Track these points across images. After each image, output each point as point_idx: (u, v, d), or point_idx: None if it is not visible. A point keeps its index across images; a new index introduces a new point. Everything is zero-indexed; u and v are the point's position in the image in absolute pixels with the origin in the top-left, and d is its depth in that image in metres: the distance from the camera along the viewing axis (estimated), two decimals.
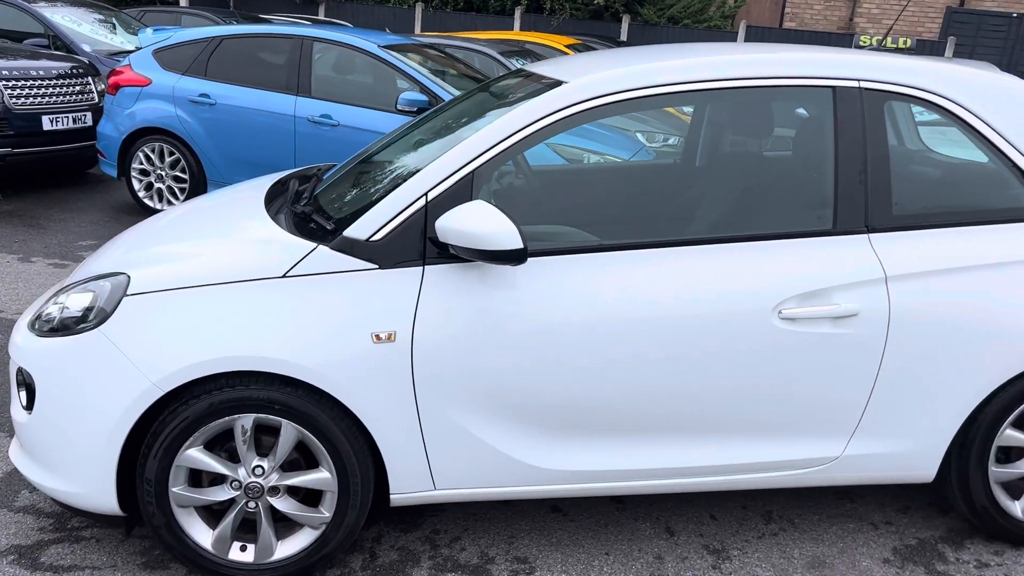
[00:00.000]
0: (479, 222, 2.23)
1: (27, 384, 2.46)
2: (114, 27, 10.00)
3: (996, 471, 2.67)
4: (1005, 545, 2.79)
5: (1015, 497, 2.74)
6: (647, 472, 2.53)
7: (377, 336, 2.34)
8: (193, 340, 2.29)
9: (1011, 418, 2.61)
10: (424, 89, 6.06)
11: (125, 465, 2.39)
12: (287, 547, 2.48)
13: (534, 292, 2.37)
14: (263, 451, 2.43)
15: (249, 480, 2.41)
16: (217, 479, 2.45)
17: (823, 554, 2.73)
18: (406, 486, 2.48)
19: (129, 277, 2.39)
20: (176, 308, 2.33)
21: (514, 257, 2.23)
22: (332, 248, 2.38)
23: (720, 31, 15.64)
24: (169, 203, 6.68)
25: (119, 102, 6.68)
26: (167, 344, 2.29)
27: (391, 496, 2.49)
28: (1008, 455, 2.72)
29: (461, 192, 2.39)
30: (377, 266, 2.37)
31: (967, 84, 2.60)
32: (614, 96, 2.46)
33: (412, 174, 2.47)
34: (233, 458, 2.42)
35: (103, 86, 7.73)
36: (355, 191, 2.73)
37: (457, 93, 6.14)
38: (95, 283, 2.45)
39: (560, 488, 2.52)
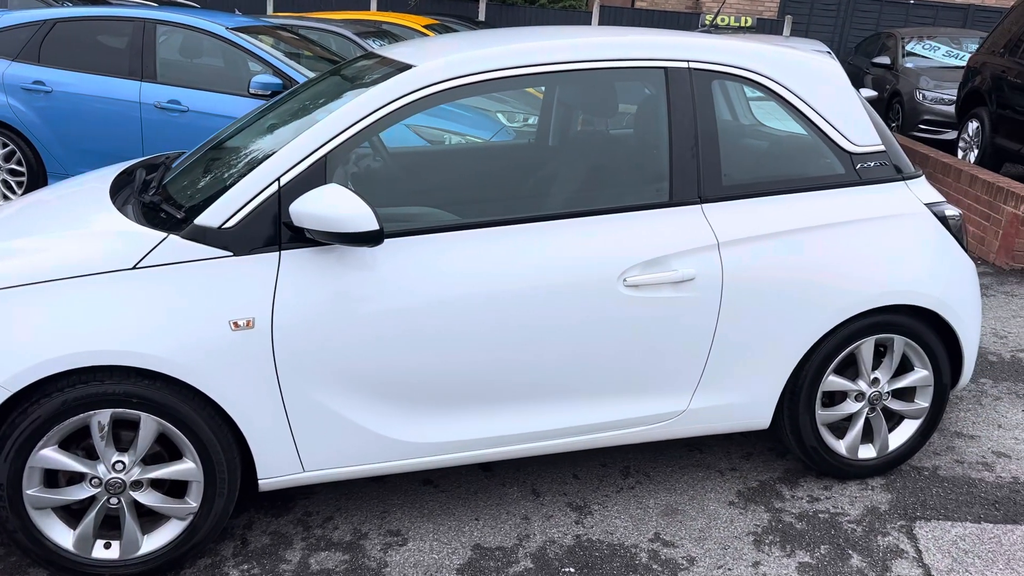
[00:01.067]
0: (333, 205, 2.27)
1: None
2: None
3: (822, 414, 2.96)
4: (833, 481, 3.10)
5: (839, 437, 3.05)
6: (508, 438, 2.66)
7: (235, 323, 2.34)
8: (42, 337, 2.22)
9: (832, 365, 2.90)
10: (277, 72, 5.96)
11: None
12: (154, 540, 2.46)
13: (391, 272, 2.44)
14: (123, 446, 2.39)
15: (110, 476, 2.37)
16: (75, 477, 2.39)
17: (675, 502, 2.94)
18: (274, 470, 2.50)
19: None
20: (22, 304, 2.25)
21: (370, 239, 2.29)
22: (183, 237, 2.36)
23: (575, 11, 15.99)
24: (5, 197, 6.28)
25: None
26: (14, 342, 2.22)
27: (259, 481, 2.51)
28: (832, 399, 3.02)
29: (315, 176, 2.42)
30: (232, 253, 2.37)
31: (782, 63, 2.83)
32: (461, 79, 2.55)
33: (265, 159, 2.48)
34: (91, 455, 2.37)
35: None
36: (207, 178, 2.70)
37: (312, 76, 6.06)
38: None
39: (427, 460, 2.61)
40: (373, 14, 11.72)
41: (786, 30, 14.82)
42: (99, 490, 2.38)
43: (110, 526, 2.46)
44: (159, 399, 2.32)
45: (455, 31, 11.75)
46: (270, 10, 16.32)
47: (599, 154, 2.87)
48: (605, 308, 2.59)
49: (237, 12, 11.00)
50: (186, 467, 2.42)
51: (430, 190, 2.92)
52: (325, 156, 2.43)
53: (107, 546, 2.44)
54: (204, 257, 2.36)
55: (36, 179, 6.20)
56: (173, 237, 2.36)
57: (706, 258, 2.66)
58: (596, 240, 2.60)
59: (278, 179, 2.40)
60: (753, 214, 2.73)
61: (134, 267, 2.32)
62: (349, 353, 2.43)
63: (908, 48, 11.50)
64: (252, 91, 5.82)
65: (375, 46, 8.82)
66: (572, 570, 2.58)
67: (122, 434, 2.39)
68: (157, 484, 2.46)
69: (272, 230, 2.39)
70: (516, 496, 2.96)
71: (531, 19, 15.81)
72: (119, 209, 2.59)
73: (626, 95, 3.01)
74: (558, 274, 2.55)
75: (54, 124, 6.08)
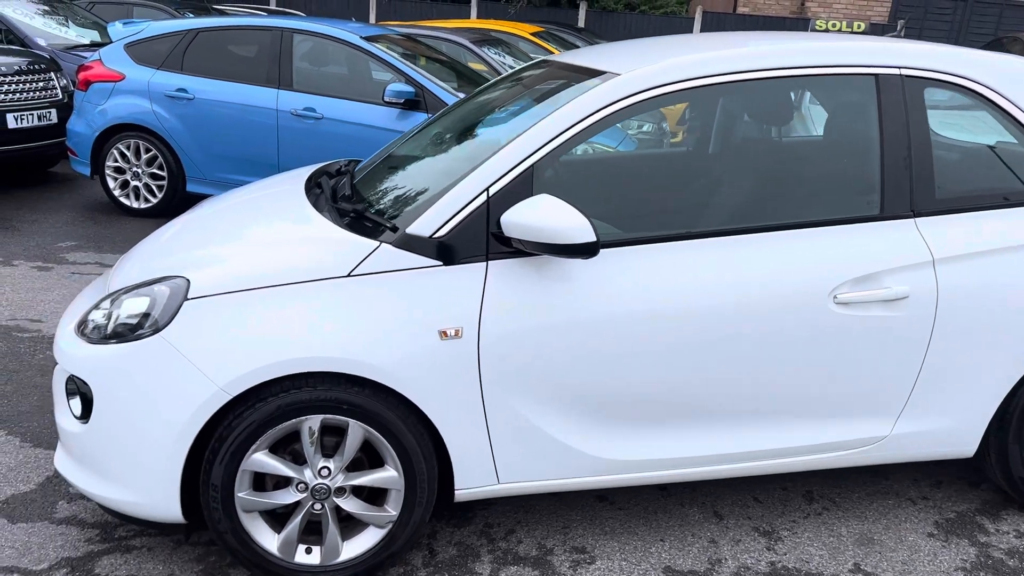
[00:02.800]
0: (549, 216, 2.23)
1: (81, 393, 2.39)
2: (66, 20, 9.68)
3: None
4: None
5: None
6: (704, 459, 2.57)
7: (444, 333, 2.33)
8: (260, 343, 2.25)
9: None
10: (410, 80, 6.01)
11: (187, 471, 2.34)
12: (353, 547, 2.46)
13: (593, 284, 2.39)
14: (327, 452, 2.40)
15: (316, 482, 2.38)
16: (282, 482, 2.41)
17: (869, 531, 2.81)
18: (471, 481, 2.47)
19: (188, 280, 2.34)
20: (241, 311, 2.28)
21: (587, 250, 2.24)
22: (395, 246, 2.36)
23: (677, 17, 15.79)
24: (146, 201, 6.52)
25: (90, 98, 6.48)
26: (233, 348, 2.25)
27: (456, 492, 2.49)
28: None
29: (522, 186, 2.39)
30: (441, 262, 2.36)
31: (998, 69, 2.68)
32: (669, 87, 2.48)
33: (463, 169, 2.47)
34: (297, 460, 2.39)
35: (66, 81, 7.49)
36: (403, 187, 2.71)
37: (444, 85, 6.10)
38: (149, 288, 2.38)
39: (619, 478, 2.55)
40: (479, 22, 11.80)
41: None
42: (304, 495, 2.39)
43: (310, 531, 2.47)
44: (367, 406, 2.32)
45: (562, 39, 11.73)
46: (372, 18, 16.64)
47: (799, 164, 2.76)
48: (813, 326, 2.49)
49: (353, 20, 11.21)
50: (388, 475, 2.41)
51: (608, 200, 2.84)
52: (532, 166, 2.40)
53: (308, 551, 2.45)
54: (415, 266, 2.35)
55: (176, 184, 6.41)
56: (385, 246, 2.36)
57: (920, 275, 2.53)
58: (804, 254, 2.50)
59: (487, 189, 2.38)
60: (970, 229, 2.59)
61: (348, 275, 2.33)
62: (551, 365, 2.39)
63: None
64: (386, 99, 5.89)
65: (492, 54, 8.86)
66: None
67: (325, 440, 2.40)
68: (357, 491, 2.47)
69: (480, 240, 2.37)
70: (698, 518, 2.86)
71: (631, 25, 15.69)
72: (324, 216, 2.61)
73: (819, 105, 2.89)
74: (765, 289, 2.46)
75: (195, 130, 6.28)
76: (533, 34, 11.11)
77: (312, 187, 3.00)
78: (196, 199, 6.70)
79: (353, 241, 2.39)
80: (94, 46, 9.16)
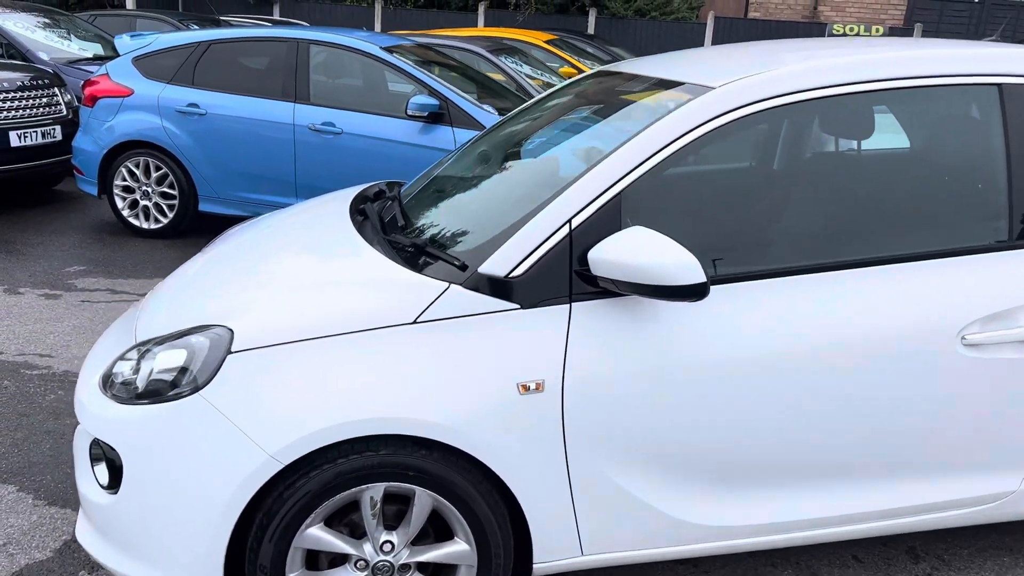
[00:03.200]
0: (648, 253, 1.94)
1: (108, 459, 2.09)
2: (68, 33, 9.40)
3: None
4: None
5: None
6: (815, 521, 2.27)
7: (524, 386, 2.03)
8: (316, 402, 1.95)
9: None
10: (433, 92, 5.72)
11: (230, 550, 2.04)
12: None
13: (697, 327, 2.09)
14: (390, 523, 2.10)
15: (377, 559, 2.08)
16: (338, 559, 2.11)
17: None
18: (552, 553, 2.17)
19: (231, 331, 2.04)
20: (292, 365, 1.98)
21: (695, 292, 1.94)
22: (466, 287, 2.06)
23: (688, 23, 15.53)
24: (157, 221, 6.22)
25: (97, 115, 6.19)
26: (285, 409, 1.95)
27: (534, 565, 2.18)
28: None
29: (609, 217, 2.09)
30: (518, 306, 2.06)
31: None
32: (780, 99, 2.17)
33: (534, 196, 2.17)
34: (356, 533, 2.09)
35: (70, 97, 7.20)
36: (464, 217, 2.41)
37: (468, 97, 5.81)
38: (185, 339, 2.08)
39: (723, 545, 2.25)
40: (492, 30, 11.53)
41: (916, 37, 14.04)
42: (365, 574, 2.09)
43: None
44: (436, 472, 2.03)
45: (576, 47, 11.46)
46: (377, 28, 16.38)
47: (909, 185, 2.46)
48: (939, 372, 2.19)
49: (364, 30, 10.95)
50: (459, 549, 2.11)
51: (714, 229, 2.44)
52: (620, 194, 2.10)
53: None
54: (490, 310, 2.05)
55: (188, 202, 6.12)
56: (455, 287, 2.06)
57: None
58: (926, 291, 2.20)
59: (569, 221, 2.08)
60: None
61: (414, 321, 2.03)
62: (646, 421, 2.09)
63: None
64: (409, 112, 5.60)
65: (509, 63, 8.58)
66: None
67: (388, 510, 2.10)
68: (423, 567, 2.17)
69: (563, 279, 2.07)
70: None
71: (642, 32, 15.42)
72: (377, 250, 2.31)
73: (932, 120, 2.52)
74: (883, 331, 2.16)
75: (207, 147, 5.99)
76: (547, 42, 10.85)
77: (355, 214, 2.71)
78: (208, 219, 6.41)
79: (418, 282, 2.10)
80: (97, 59, 8.88)
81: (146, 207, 6.22)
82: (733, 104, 2.15)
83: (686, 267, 1.91)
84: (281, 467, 1.94)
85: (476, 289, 2.06)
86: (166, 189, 6.16)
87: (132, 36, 6.39)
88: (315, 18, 16.57)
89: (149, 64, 6.18)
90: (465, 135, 5.59)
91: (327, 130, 5.78)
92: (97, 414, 2.09)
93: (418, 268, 2.17)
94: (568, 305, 2.07)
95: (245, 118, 5.92)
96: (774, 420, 2.14)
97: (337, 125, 5.78)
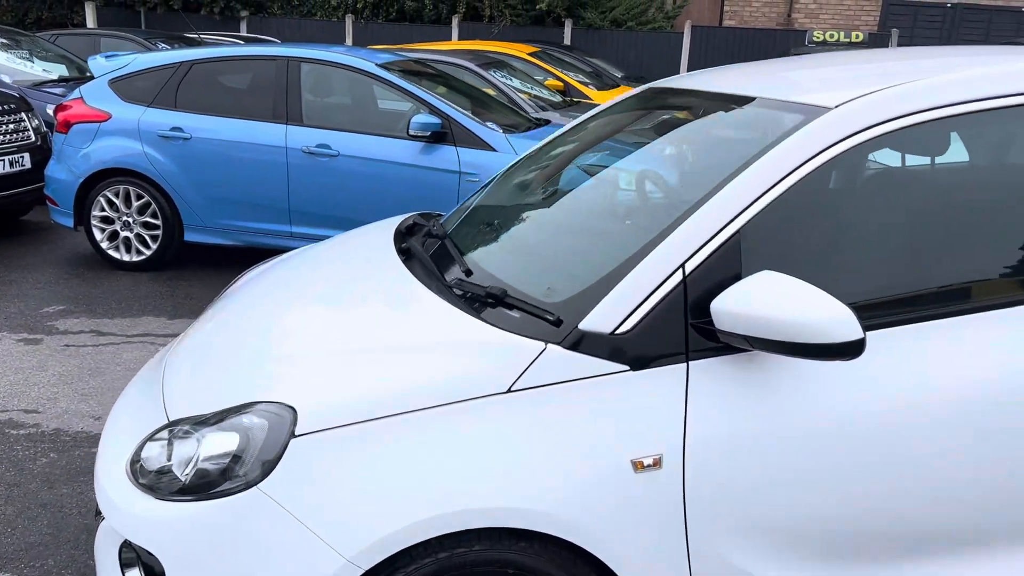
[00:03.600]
0: (791, 305, 1.64)
1: (145, 565, 1.75)
2: (30, 55, 8.94)
3: None
4: None
5: None
6: None
7: (640, 463, 1.73)
8: (399, 494, 1.63)
9: None
10: (435, 111, 5.41)
11: None
12: None
13: (838, 386, 1.80)
14: None
15: None
16: None
17: None
18: None
19: (294, 409, 1.71)
20: (367, 450, 1.66)
21: (850, 350, 1.64)
22: (566, 347, 1.76)
23: (665, 33, 15.39)
24: (139, 253, 5.82)
25: (72, 141, 5.78)
26: (362, 503, 1.63)
27: None
28: None
29: (727, 260, 1.80)
30: (627, 367, 1.76)
31: None
32: (923, 115, 1.88)
33: (625, 234, 1.88)
34: None
35: (38, 122, 6.77)
36: (537, 258, 2.11)
37: (470, 115, 5.50)
38: (237, 419, 1.75)
39: None
40: (474, 43, 11.27)
41: (892, 42, 14.04)
42: None
43: None
44: (537, 567, 1.72)
45: (559, 59, 11.22)
46: (349, 42, 16.04)
47: None
48: None
49: (347, 45, 10.61)
50: None
51: (851, 266, 2.12)
52: (738, 232, 1.81)
53: None
54: (595, 373, 1.75)
55: (173, 232, 5.74)
56: (553, 347, 1.76)
57: None
58: None
59: (682, 266, 1.78)
60: None
61: (508, 390, 1.72)
62: (782, 497, 1.79)
63: None
64: (411, 132, 5.30)
65: (499, 78, 8.30)
66: None
67: None
68: None
69: (677, 334, 1.78)
70: None
71: (619, 42, 15.26)
72: (444, 299, 1.99)
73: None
74: None
75: (193, 173, 5.62)
76: (530, 55, 10.60)
77: (400, 253, 2.39)
78: (194, 249, 6.03)
79: (509, 343, 1.78)
80: (63, 81, 8.45)
81: (127, 238, 5.83)
82: (863, 123, 1.87)
83: (839, 321, 1.62)
84: (360, 573, 1.62)
85: (577, 349, 1.75)
86: (148, 219, 5.77)
87: (107, 57, 6.00)
88: (285, 34, 16.18)
89: (127, 86, 5.80)
90: (470, 155, 5.31)
91: (322, 152, 5.45)
92: (129, 512, 1.75)
93: (502, 323, 1.86)
94: (684, 364, 1.78)
95: (233, 141, 5.56)
96: (946, 488, 1.84)
97: (333, 147, 5.45)
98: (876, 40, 13.74)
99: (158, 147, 5.64)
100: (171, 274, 5.79)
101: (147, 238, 5.81)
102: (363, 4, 16.39)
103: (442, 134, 5.33)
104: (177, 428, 1.83)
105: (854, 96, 1.93)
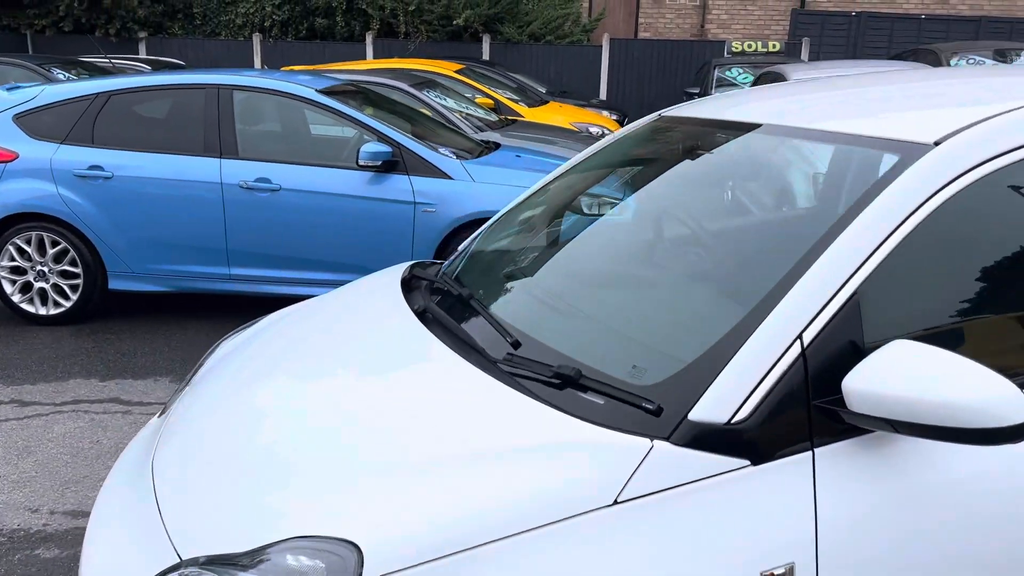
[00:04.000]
0: (944, 383, 1.39)
1: None
2: None
3: None
4: None
5: None
6: None
7: (770, 575, 1.45)
8: None
9: None
10: (384, 138, 5.06)
11: None
12: None
13: (992, 469, 1.56)
14: None
15: None
16: None
17: None
18: None
19: (358, 548, 1.35)
20: None
21: (1014, 435, 1.40)
22: (677, 443, 1.46)
23: (583, 46, 15.33)
24: (57, 305, 5.24)
25: None
26: None
27: None
28: None
29: (846, 326, 1.54)
30: (748, 462, 1.48)
31: None
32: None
33: (695, 291, 1.61)
34: None
35: None
36: (597, 326, 1.80)
37: (420, 141, 5.16)
38: (281, 560, 1.38)
39: None
40: (393, 62, 10.89)
41: (804, 52, 14.36)
42: None
43: None
44: None
45: (484, 75, 10.97)
46: (257, 63, 15.40)
47: None
48: None
49: (265, 68, 10.08)
50: None
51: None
52: (856, 292, 1.56)
53: None
54: (712, 473, 1.46)
55: (95, 281, 5.19)
56: (661, 444, 1.46)
57: None
58: None
59: (800, 336, 1.52)
60: None
61: (614, 502, 1.42)
62: None
63: (953, 64, 11.05)
64: (361, 162, 4.92)
65: (433, 98, 7.98)
66: None
67: None
68: None
69: (799, 417, 1.51)
70: None
71: (538, 56, 15.12)
72: (509, 387, 1.67)
73: None
74: None
75: (116, 215, 5.10)
76: (457, 71, 10.31)
77: (422, 318, 2.05)
78: (120, 298, 5.48)
79: (608, 442, 1.48)
80: None
81: (43, 289, 5.24)
82: (976, 160, 1.65)
83: (1006, 400, 1.38)
84: None
85: (689, 444, 1.46)
86: (67, 267, 5.20)
87: (9, 89, 5.41)
88: (187, 56, 15.41)
89: (35, 121, 5.22)
90: (424, 184, 4.97)
91: (261, 187, 5.02)
92: None
93: (586, 414, 1.55)
94: (810, 452, 1.51)
95: (161, 179, 5.07)
96: None
97: (274, 180, 5.03)
98: (789, 49, 14.02)
99: (75, 188, 5.09)
100: (96, 327, 5.23)
101: (66, 288, 5.24)
102: (271, 22, 15.78)
103: (393, 163, 4.98)
104: (190, 571, 1.45)
105: (955, 129, 1.71)
